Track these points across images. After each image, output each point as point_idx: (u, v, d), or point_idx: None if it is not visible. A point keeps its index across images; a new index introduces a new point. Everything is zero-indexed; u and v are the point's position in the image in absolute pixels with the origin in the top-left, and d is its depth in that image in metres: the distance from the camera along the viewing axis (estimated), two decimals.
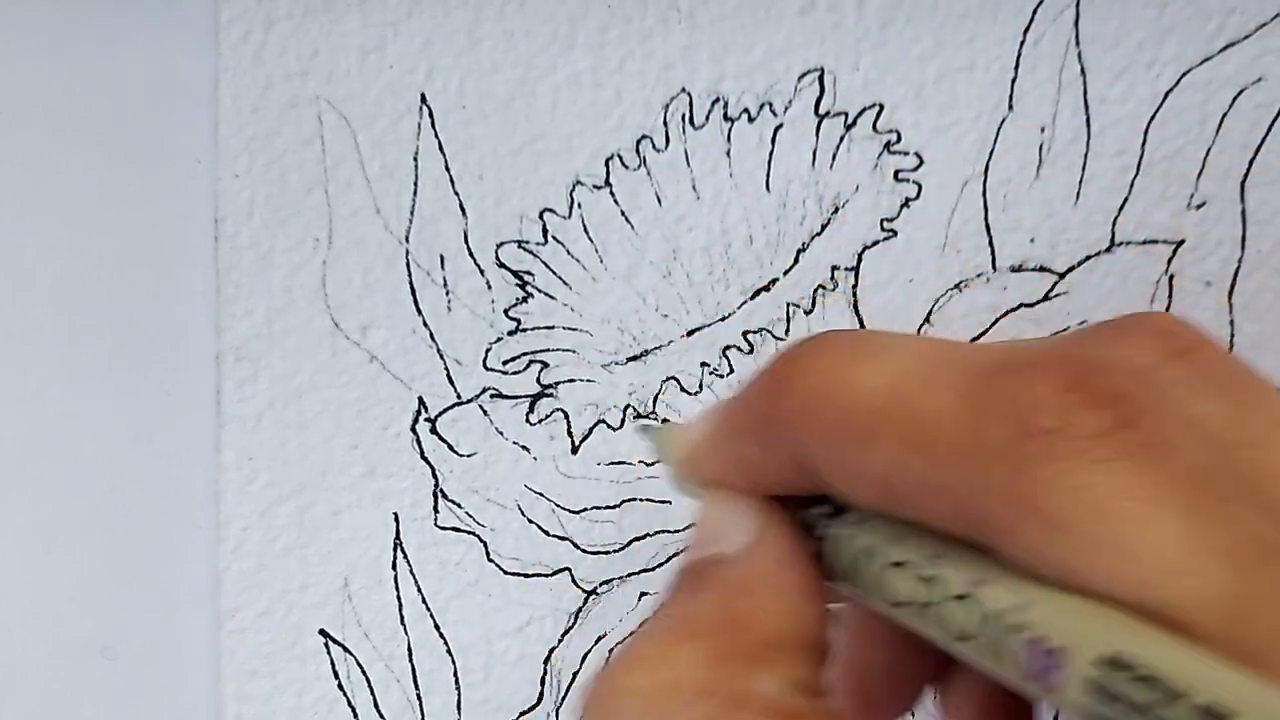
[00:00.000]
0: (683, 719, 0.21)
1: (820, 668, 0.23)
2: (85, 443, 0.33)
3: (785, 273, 0.32)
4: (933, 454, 0.20)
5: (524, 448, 0.32)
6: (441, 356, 0.32)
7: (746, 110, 0.32)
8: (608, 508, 0.32)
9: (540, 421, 0.32)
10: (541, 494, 0.32)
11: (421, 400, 0.32)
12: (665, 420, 0.32)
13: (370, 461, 0.32)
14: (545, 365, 0.32)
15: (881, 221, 0.32)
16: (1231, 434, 0.21)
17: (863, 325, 0.32)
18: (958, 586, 0.20)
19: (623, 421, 0.32)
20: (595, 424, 0.32)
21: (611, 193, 0.32)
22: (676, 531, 0.32)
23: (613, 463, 0.32)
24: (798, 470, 0.23)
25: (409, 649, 0.33)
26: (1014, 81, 0.31)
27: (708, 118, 0.32)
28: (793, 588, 0.23)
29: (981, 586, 0.20)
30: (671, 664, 0.22)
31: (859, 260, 0.32)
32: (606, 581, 0.33)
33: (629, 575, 0.33)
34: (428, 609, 0.33)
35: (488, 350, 0.32)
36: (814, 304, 0.32)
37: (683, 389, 0.32)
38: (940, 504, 0.20)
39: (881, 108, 0.31)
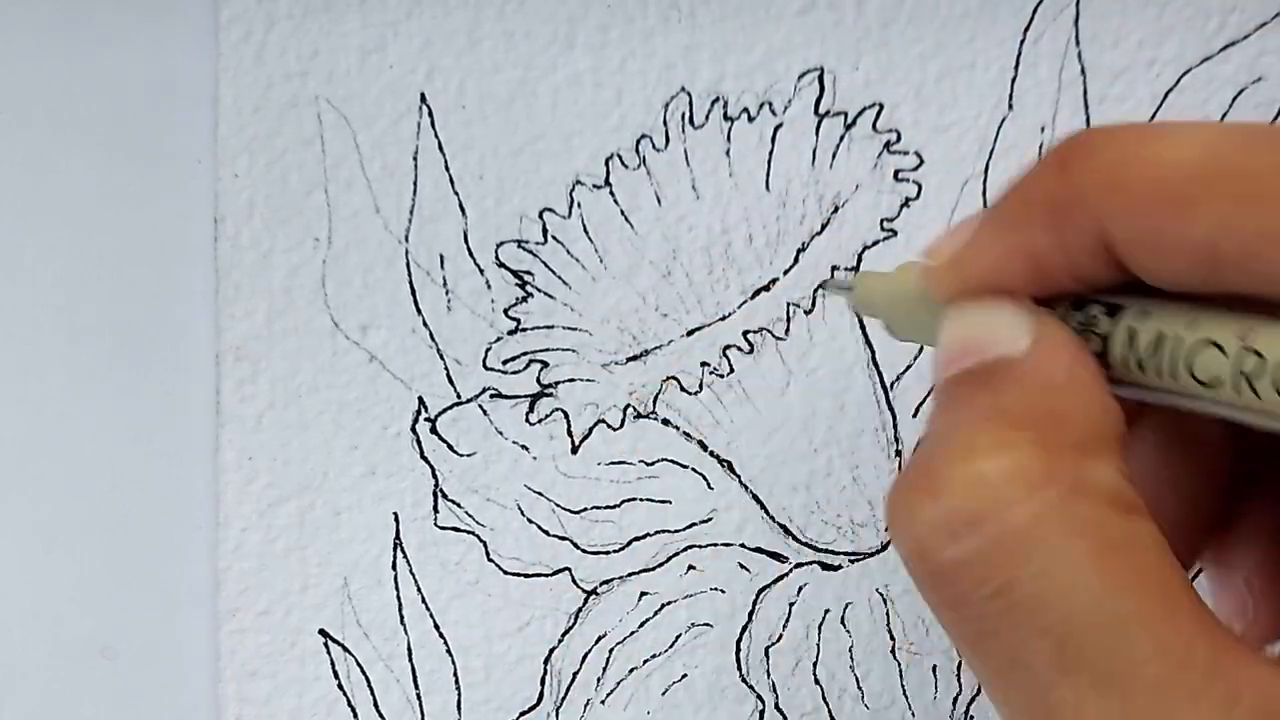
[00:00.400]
0: (1028, 506, 0.20)
1: (1128, 463, 0.22)
2: (85, 443, 0.33)
3: (785, 273, 0.32)
4: (1268, 204, 0.19)
5: (524, 447, 0.32)
6: (441, 356, 0.32)
7: (746, 110, 0.32)
8: (608, 508, 0.32)
9: (540, 421, 0.32)
10: (541, 494, 0.32)
11: (421, 400, 0.32)
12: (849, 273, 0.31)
13: (370, 461, 0.32)
14: (545, 365, 0.32)
15: (881, 221, 0.32)
16: None
17: (863, 326, 0.32)
18: None
19: (623, 421, 0.32)
20: (595, 424, 0.32)
21: (611, 192, 0.32)
22: (676, 531, 0.32)
23: (613, 463, 0.32)
24: (1097, 256, 0.22)
25: (409, 649, 0.33)
26: (1014, 81, 0.31)
27: (708, 117, 0.32)
28: (1089, 381, 0.22)
29: None
30: (1010, 451, 0.21)
31: (859, 260, 0.32)
32: (606, 581, 0.33)
33: (629, 575, 0.33)
34: (428, 609, 0.33)
35: (488, 350, 0.32)
36: (814, 304, 0.32)
37: (683, 389, 0.32)
38: (1274, 261, 0.19)
39: (881, 107, 0.31)
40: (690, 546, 0.33)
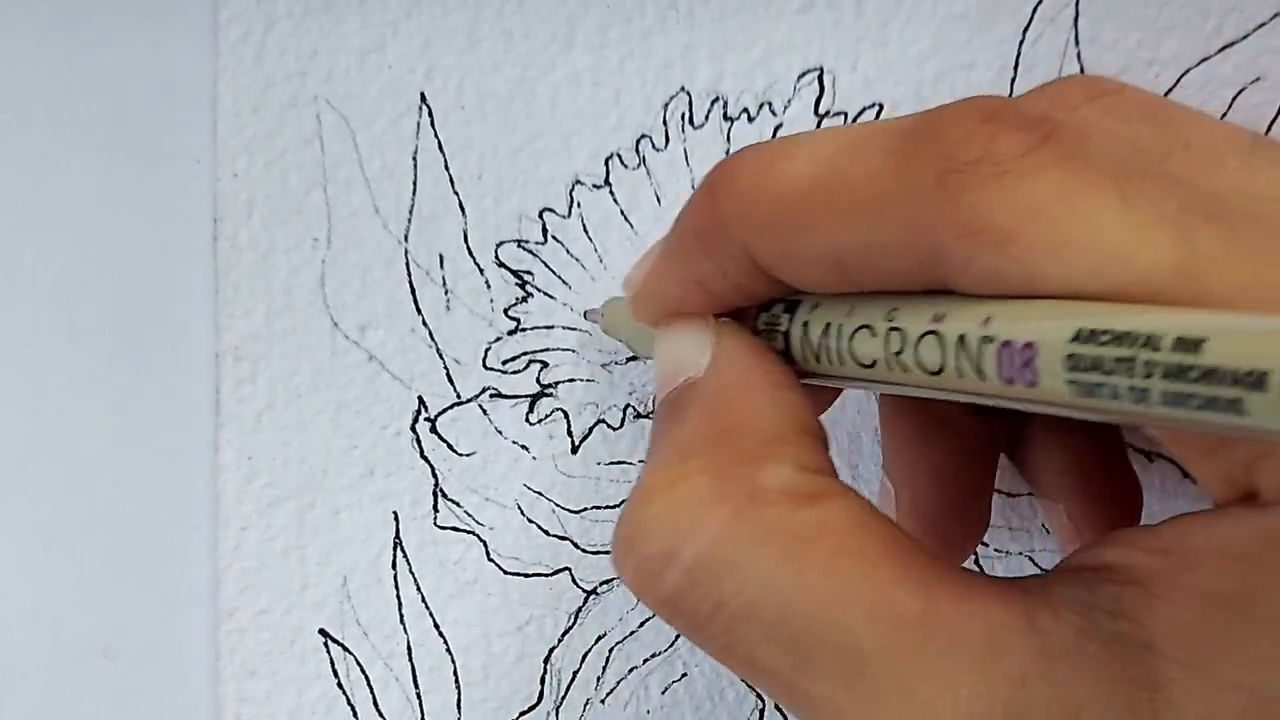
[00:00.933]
0: (709, 526, 0.22)
1: (822, 450, 0.23)
2: (85, 443, 0.33)
3: None
4: (873, 213, 0.21)
5: (524, 447, 0.32)
6: (441, 356, 0.32)
7: (746, 110, 0.32)
8: (608, 507, 0.32)
9: (540, 421, 0.32)
10: (541, 493, 0.32)
11: (421, 400, 0.32)
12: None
13: (370, 461, 0.32)
14: (545, 365, 0.32)
15: None
16: (1158, 147, 0.21)
17: None
18: (920, 327, 0.21)
19: (623, 421, 0.32)
20: (595, 424, 0.32)
21: (611, 192, 0.32)
22: None
23: (613, 462, 0.32)
24: (749, 274, 0.23)
25: (408, 648, 0.33)
26: (1014, 81, 0.31)
27: (707, 117, 0.32)
28: (765, 384, 0.24)
29: (941, 320, 0.20)
30: (682, 483, 0.22)
31: None
32: (606, 581, 0.33)
33: None
34: (427, 608, 0.33)
35: (487, 350, 0.32)
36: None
37: None
38: (890, 261, 0.21)
39: (881, 107, 0.31)
40: None
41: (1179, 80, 0.31)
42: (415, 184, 0.32)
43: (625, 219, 0.32)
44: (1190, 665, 0.19)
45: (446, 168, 0.32)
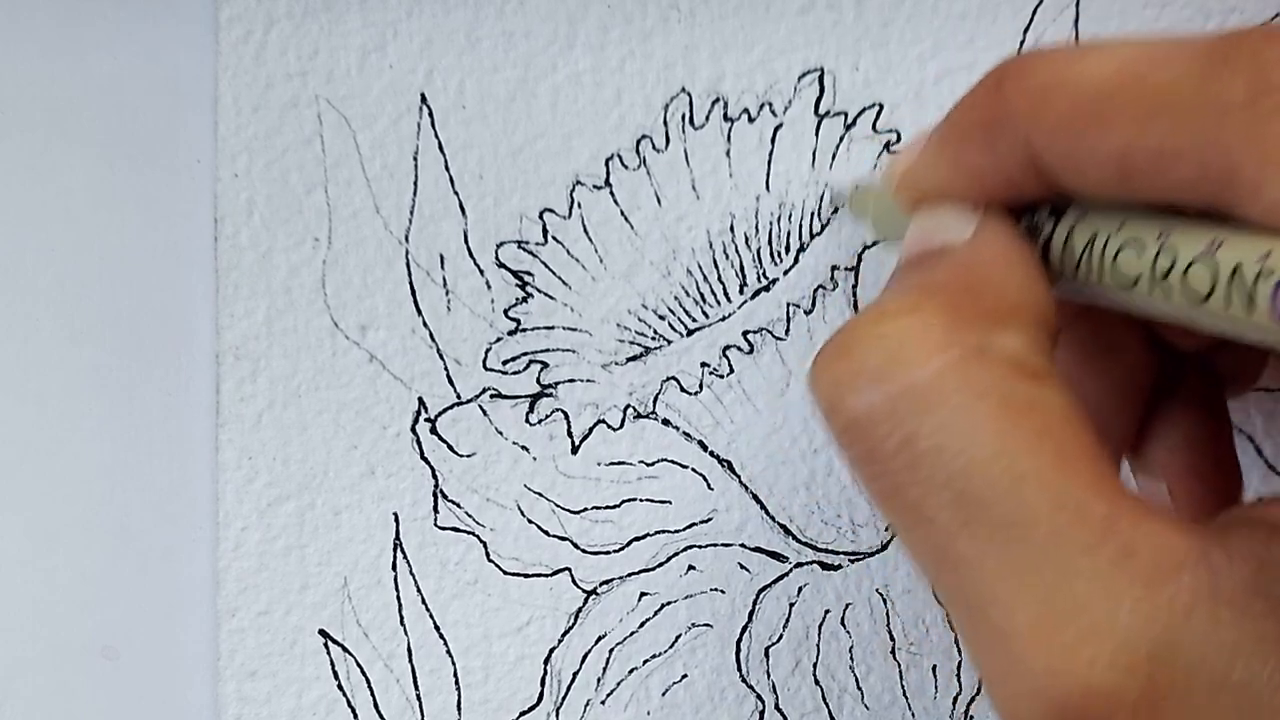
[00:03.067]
0: (929, 365, 0.21)
1: (1052, 343, 0.23)
2: (85, 442, 0.33)
3: (785, 273, 0.32)
4: (1173, 119, 0.20)
5: (524, 448, 0.32)
6: (441, 356, 0.32)
7: (746, 110, 0.32)
8: (608, 508, 0.32)
9: (540, 421, 0.32)
10: (541, 494, 0.32)
11: (421, 400, 0.32)
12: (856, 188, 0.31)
13: (370, 461, 0.32)
14: (545, 365, 0.32)
15: None
16: None
17: None
18: (1193, 251, 0.20)
19: (622, 421, 0.32)
20: (595, 424, 0.32)
21: (611, 193, 0.32)
22: (676, 531, 0.32)
23: (613, 463, 0.32)
24: (1027, 169, 0.23)
25: (409, 649, 0.33)
26: None
27: (708, 117, 0.32)
28: (1020, 265, 0.23)
29: (1218, 247, 0.20)
30: (917, 314, 0.22)
31: (859, 260, 0.32)
32: (606, 581, 0.33)
33: (629, 575, 0.33)
34: (427, 609, 0.33)
35: (487, 350, 0.32)
36: (814, 304, 0.32)
37: (683, 389, 0.32)
38: (1181, 171, 0.20)
39: (881, 107, 0.31)
40: (690, 546, 0.33)
41: None
42: (416, 184, 0.32)
43: (625, 219, 0.32)
44: None
45: (447, 168, 0.32)
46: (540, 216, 0.32)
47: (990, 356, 0.22)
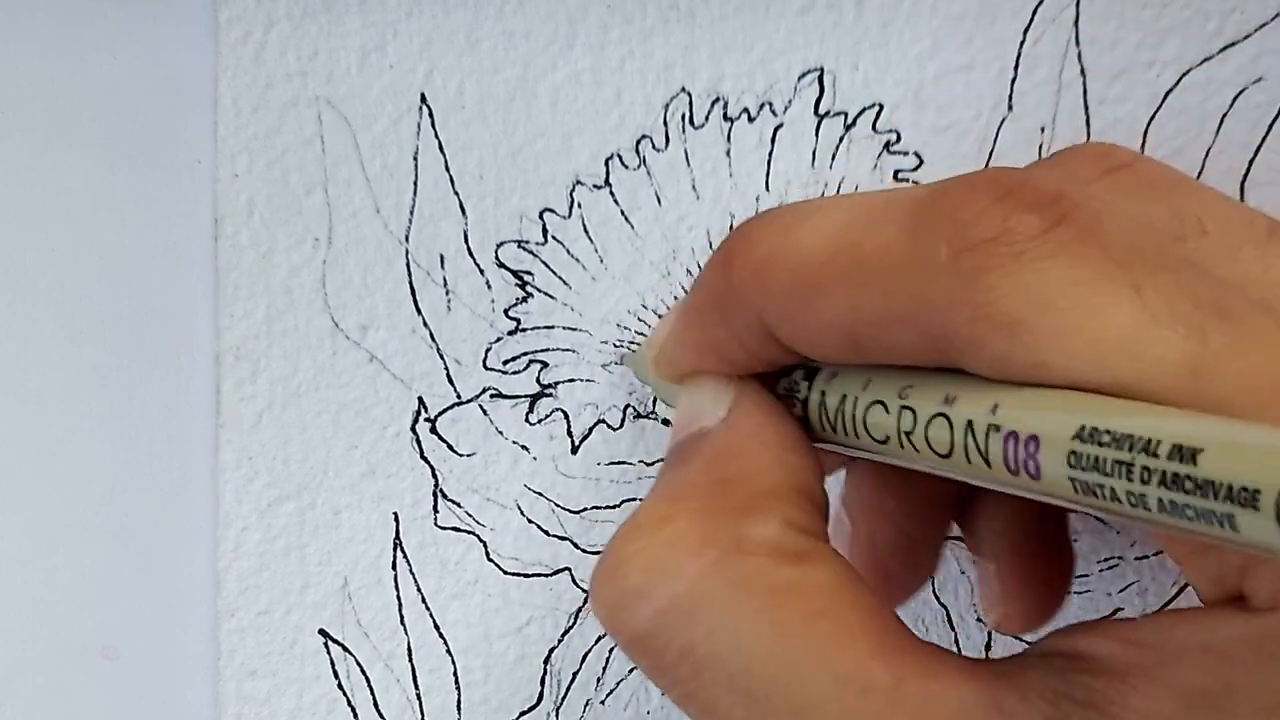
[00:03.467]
0: (688, 569, 0.22)
1: (817, 514, 0.23)
2: (85, 442, 0.33)
3: None
4: (885, 287, 0.21)
5: (524, 447, 0.32)
6: (441, 356, 0.32)
7: (746, 110, 0.32)
8: (608, 508, 0.32)
9: (540, 421, 0.32)
10: (541, 494, 0.32)
11: (421, 400, 0.32)
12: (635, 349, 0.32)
13: (370, 461, 0.32)
14: (545, 365, 0.32)
15: None
16: (1178, 228, 0.21)
17: None
18: (932, 407, 0.21)
19: (622, 421, 0.32)
20: (595, 424, 0.32)
21: (611, 193, 0.32)
22: None
23: (613, 463, 0.32)
24: (763, 341, 0.23)
25: (409, 649, 0.33)
26: (1013, 82, 0.31)
27: (708, 117, 0.32)
28: (773, 441, 0.24)
29: (952, 403, 0.20)
30: (670, 524, 0.22)
31: None
32: None
33: None
34: (427, 609, 0.33)
35: (487, 350, 0.32)
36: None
37: None
38: (902, 337, 0.21)
39: (881, 108, 0.31)
40: None
41: (1179, 81, 0.31)
42: (416, 184, 0.32)
43: (625, 219, 0.32)
44: None
45: (447, 168, 0.32)
46: (540, 216, 0.32)
47: (746, 549, 0.22)
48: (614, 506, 0.32)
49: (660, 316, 0.32)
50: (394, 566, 0.33)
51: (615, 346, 0.32)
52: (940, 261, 0.20)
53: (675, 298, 0.32)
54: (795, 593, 0.21)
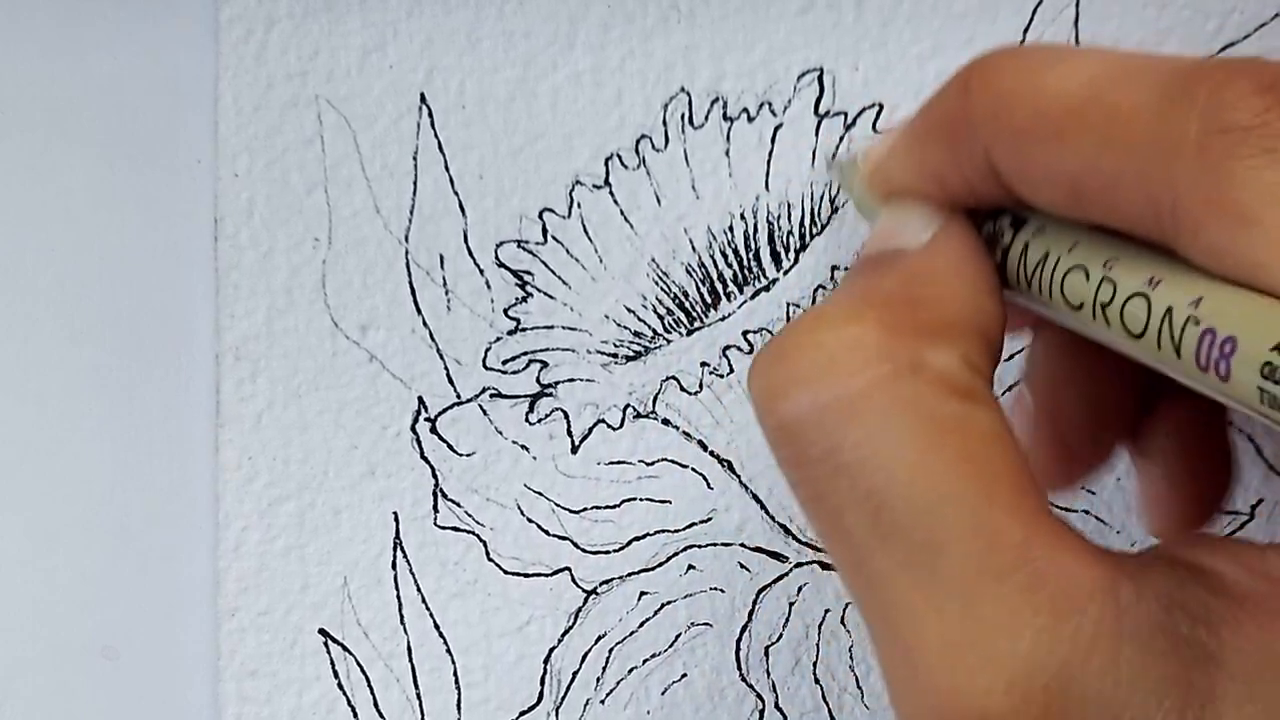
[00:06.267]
0: (860, 377, 0.21)
1: (992, 361, 0.23)
2: (85, 442, 0.33)
3: (785, 273, 0.32)
4: (1127, 148, 0.20)
5: (524, 447, 0.32)
6: (441, 356, 0.32)
7: (746, 110, 0.32)
8: (608, 507, 0.32)
9: (540, 421, 0.32)
10: (541, 493, 0.32)
11: (421, 400, 0.32)
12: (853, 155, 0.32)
13: (370, 461, 0.32)
14: (545, 365, 0.32)
15: None
16: None
17: None
18: (1134, 285, 0.20)
19: (622, 421, 0.32)
20: (595, 423, 0.32)
21: (611, 192, 0.32)
22: (676, 531, 0.33)
23: (613, 462, 0.32)
24: (986, 176, 0.23)
25: (409, 648, 0.33)
26: None
27: (707, 117, 0.32)
28: (970, 277, 0.23)
29: (1156, 285, 0.20)
30: (855, 324, 0.22)
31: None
32: (606, 581, 0.33)
33: (629, 575, 0.33)
34: (427, 608, 0.33)
35: (487, 350, 0.32)
36: (814, 304, 0.32)
37: (683, 389, 0.32)
38: (1129, 201, 0.20)
39: (881, 108, 0.31)
40: (690, 546, 0.33)
41: None
42: (416, 184, 0.32)
43: (625, 219, 0.32)
44: (1252, 690, 0.19)
45: (447, 168, 0.32)
46: (540, 216, 0.32)
47: (922, 372, 0.22)
48: (614, 506, 0.32)
49: (660, 316, 0.32)
50: (394, 566, 0.33)
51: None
52: (1189, 136, 0.19)
53: (675, 298, 0.32)
54: (954, 428, 0.21)
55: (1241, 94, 0.19)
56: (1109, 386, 0.27)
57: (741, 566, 0.33)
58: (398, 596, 0.33)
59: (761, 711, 0.33)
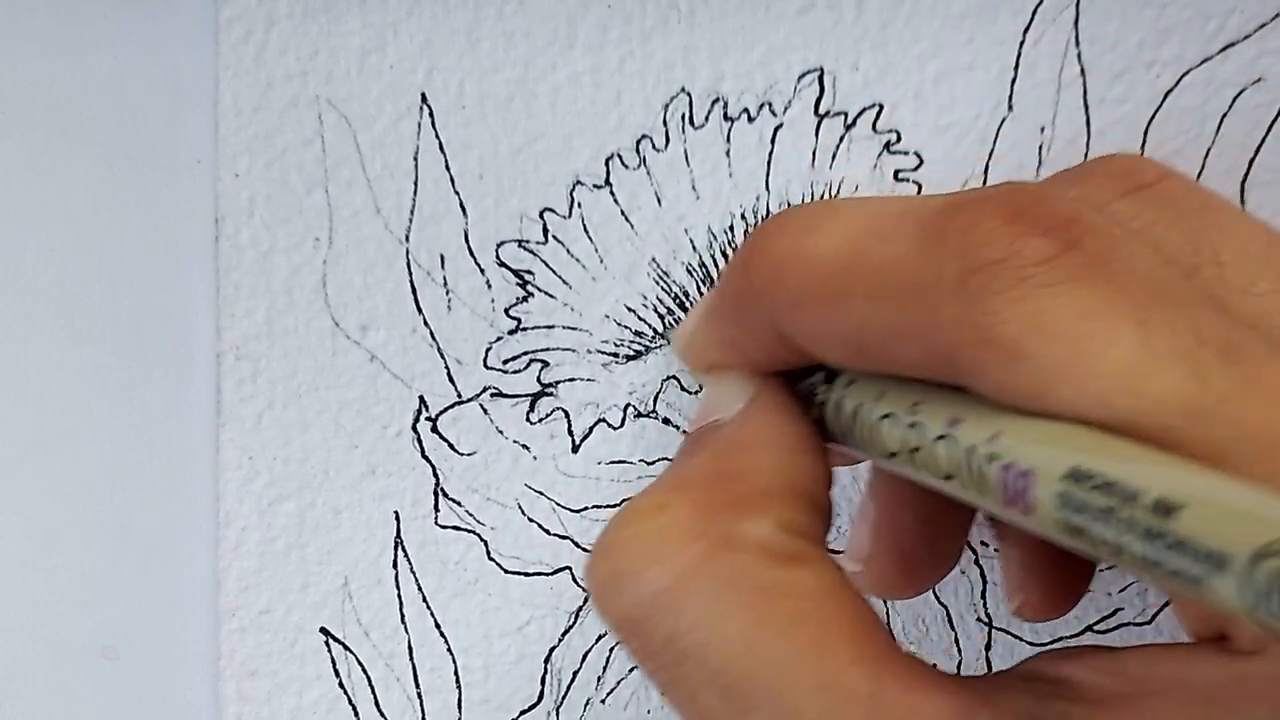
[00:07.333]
0: (677, 560, 0.22)
1: (816, 518, 0.23)
2: (85, 442, 0.33)
3: None
4: (894, 302, 0.21)
5: (524, 447, 0.32)
6: (442, 356, 0.32)
7: (746, 110, 0.32)
8: (608, 507, 0.33)
9: (540, 420, 0.32)
10: (542, 493, 0.32)
11: (422, 399, 0.32)
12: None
13: (370, 461, 0.32)
14: (545, 364, 0.32)
15: None
16: (1193, 258, 0.21)
17: None
18: (937, 428, 0.21)
19: (623, 421, 0.32)
20: (595, 423, 0.32)
21: (611, 192, 0.32)
22: None
23: (613, 462, 0.32)
24: (778, 342, 0.24)
25: (409, 648, 0.33)
26: (1014, 81, 0.31)
27: (707, 118, 0.32)
28: (782, 442, 0.24)
29: (957, 425, 0.20)
30: (665, 511, 0.22)
31: None
32: None
33: None
34: (428, 608, 0.33)
35: (488, 349, 0.32)
36: None
37: (683, 389, 0.32)
38: (909, 351, 0.21)
39: (881, 108, 0.31)
40: None
41: (1179, 80, 0.31)
42: (416, 184, 0.32)
43: (625, 219, 0.32)
44: None
45: (447, 168, 0.32)
46: (540, 216, 0.32)
47: (736, 546, 0.22)
48: (614, 506, 0.32)
49: (661, 316, 0.32)
50: (395, 566, 0.33)
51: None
52: (947, 281, 0.20)
53: (676, 298, 0.32)
54: (780, 594, 0.21)
55: (989, 229, 0.19)
56: (944, 503, 0.28)
57: None
58: (398, 596, 0.33)
59: None
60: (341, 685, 0.33)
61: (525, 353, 0.32)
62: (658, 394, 0.32)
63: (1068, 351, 0.19)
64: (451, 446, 0.32)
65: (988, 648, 0.32)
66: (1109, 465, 0.17)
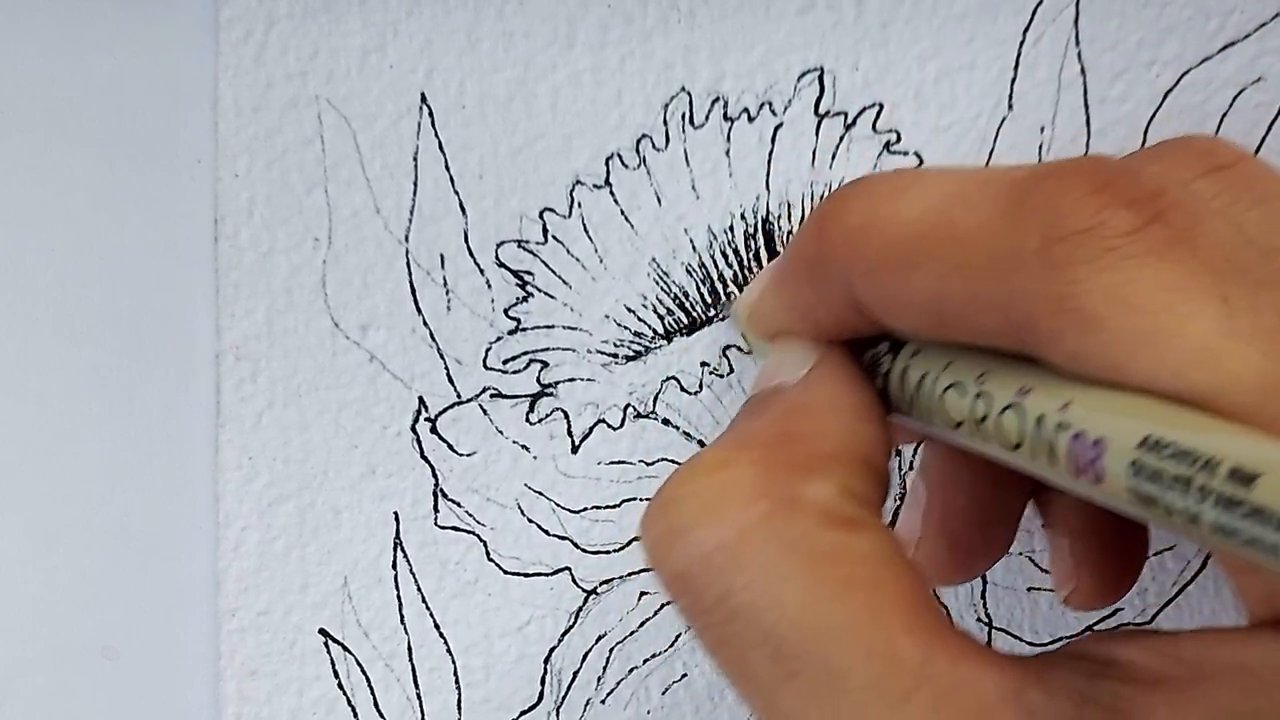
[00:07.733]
0: (739, 518, 0.22)
1: (875, 485, 0.23)
2: (85, 442, 0.33)
3: None
4: (974, 269, 0.21)
5: (524, 447, 0.32)
6: (441, 356, 0.32)
7: (746, 110, 0.32)
8: (608, 507, 0.32)
9: (540, 421, 0.32)
10: (541, 493, 0.32)
11: (421, 400, 0.32)
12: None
13: (370, 461, 0.32)
14: (545, 365, 0.32)
15: None
16: (1273, 239, 0.21)
17: None
18: (1005, 398, 0.21)
19: (622, 421, 0.32)
20: (595, 423, 0.32)
21: (611, 192, 0.32)
22: None
23: (613, 462, 0.32)
24: (850, 309, 0.23)
25: (409, 648, 0.33)
26: (1014, 81, 0.31)
27: (707, 117, 0.32)
28: (846, 407, 0.24)
29: (1026, 394, 0.20)
30: (728, 468, 0.22)
31: None
32: (606, 581, 0.33)
33: (629, 575, 0.33)
34: (428, 608, 0.33)
35: (488, 350, 0.32)
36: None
37: (683, 389, 0.32)
38: (986, 319, 0.21)
39: (881, 107, 0.31)
40: None
41: (1179, 80, 0.31)
42: (416, 184, 0.32)
43: (625, 219, 0.32)
44: None
45: (447, 168, 0.32)
46: (540, 216, 0.32)
47: (798, 507, 0.22)
48: (614, 506, 0.32)
49: (660, 316, 0.32)
50: (394, 566, 0.33)
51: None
52: (1030, 248, 0.20)
53: (676, 298, 0.32)
54: (837, 558, 0.21)
55: (1075, 199, 0.20)
56: (997, 486, 0.28)
57: None
58: (398, 596, 0.33)
59: None
60: (341, 686, 0.33)
61: (525, 353, 0.32)
62: (657, 394, 0.32)
63: (1148, 323, 0.19)
64: (451, 447, 0.32)
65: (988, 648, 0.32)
66: (1184, 435, 0.17)
